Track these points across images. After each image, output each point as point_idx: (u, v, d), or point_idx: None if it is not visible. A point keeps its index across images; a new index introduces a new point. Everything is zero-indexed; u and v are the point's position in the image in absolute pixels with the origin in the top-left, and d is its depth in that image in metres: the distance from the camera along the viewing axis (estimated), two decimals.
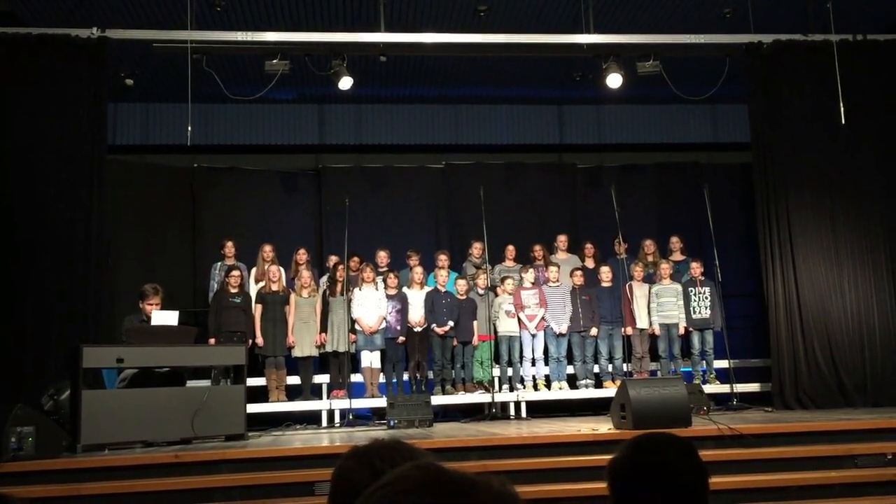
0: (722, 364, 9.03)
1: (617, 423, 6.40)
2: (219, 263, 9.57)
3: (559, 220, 10.95)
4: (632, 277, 9.34)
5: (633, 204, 10.52)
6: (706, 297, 9.21)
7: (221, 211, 10.77)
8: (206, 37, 8.53)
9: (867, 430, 6.12)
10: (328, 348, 8.87)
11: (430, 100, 11.40)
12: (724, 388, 8.79)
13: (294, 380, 8.97)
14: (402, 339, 8.94)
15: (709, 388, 8.59)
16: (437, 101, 11.46)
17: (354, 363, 8.98)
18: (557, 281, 9.33)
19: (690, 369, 9.28)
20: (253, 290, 9.25)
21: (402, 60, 10.02)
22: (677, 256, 9.94)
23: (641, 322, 9.27)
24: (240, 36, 8.67)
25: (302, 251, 9.50)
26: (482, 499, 0.94)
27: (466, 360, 9.07)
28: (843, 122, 8.24)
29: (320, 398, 8.90)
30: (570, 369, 9.29)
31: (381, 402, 8.17)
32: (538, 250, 9.85)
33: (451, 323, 8.90)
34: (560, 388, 9.06)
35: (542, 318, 9.13)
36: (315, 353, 8.94)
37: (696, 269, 9.35)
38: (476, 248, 9.76)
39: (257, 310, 8.88)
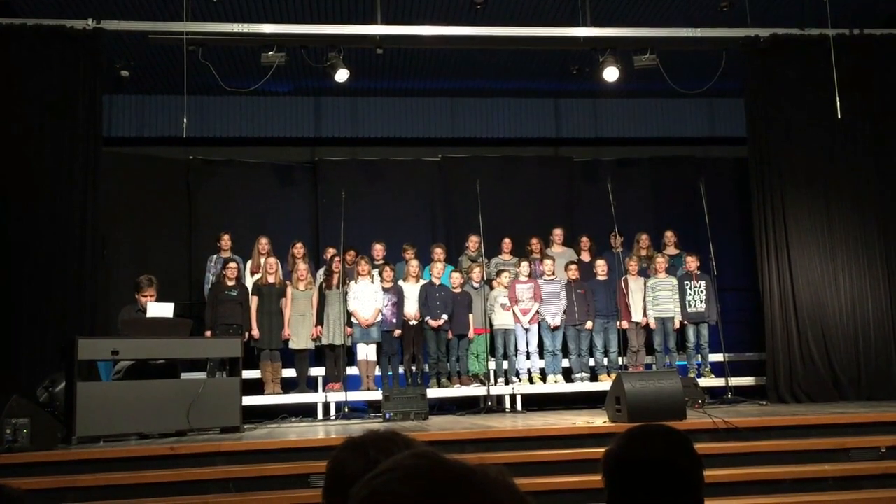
0: (717, 357, 9.06)
1: (612, 417, 6.41)
2: (215, 256, 9.56)
3: (555, 214, 10.95)
4: (626, 271, 9.36)
5: (629, 198, 10.53)
6: (701, 291, 9.22)
7: (217, 203, 10.75)
8: (201, 28, 8.49)
9: (861, 424, 6.14)
10: (324, 341, 8.88)
11: (427, 93, 11.38)
12: (719, 382, 8.82)
13: (290, 372, 8.97)
14: (397, 332, 8.94)
15: (704, 382, 8.62)
16: (434, 94, 11.43)
17: (350, 356, 8.98)
18: (553, 274, 9.34)
19: (685, 363, 9.30)
20: (249, 282, 9.24)
21: (399, 53, 9.99)
22: (672, 250, 9.95)
23: (637, 316, 9.28)
24: (236, 28, 8.64)
25: (299, 244, 9.49)
26: (480, 487, 0.93)
27: (462, 354, 9.08)
28: (839, 116, 8.24)
29: (316, 391, 8.91)
30: (565, 363, 9.31)
31: (377, 395, 8.19)
32: (535, 243, 9.86)
33: (444, 316, 8.91)
34: (555, 382, 9.08)
35: (537, 312, 9.14)
36: (311, 345, 8.95)
37: (691, 262, 9.36)
38: (472, 242, 9.76)
39: (253, 302, 8.87)
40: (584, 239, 10.03)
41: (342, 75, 8.98)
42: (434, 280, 9.15)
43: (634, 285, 9.35)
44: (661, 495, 1.84)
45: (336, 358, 8.85)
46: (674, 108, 11.70)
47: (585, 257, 9.87)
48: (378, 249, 9.58)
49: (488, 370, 9.06)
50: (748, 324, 10.06)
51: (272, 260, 9.09)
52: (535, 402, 8.97)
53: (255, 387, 8.60)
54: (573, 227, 10.68)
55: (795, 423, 6.22)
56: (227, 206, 10.68)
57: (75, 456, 5.56)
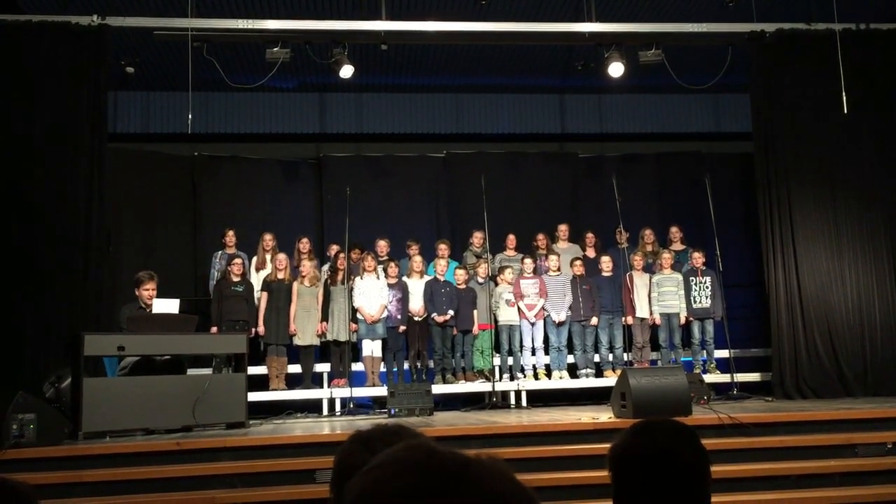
0: (722, 353, 9.04)
1: (617, 412, 6.41)
2: (220, 252, 9.58)
3: (560, 210, 10.93)
4: (632, 267, 9.34)
5: (634, 193, 10.49)
6: (707, 287, 9.21)
7: (222, 199, 10.75)
8: (206, 24, 8.50)
9: (867, 420, 6.13)
10: (329, 337, 8.89)
11: (432, 89, 11.37)
12: (725, 378, 8.80)
13: (295, 368, 8.99)
14: (402, 328, 8.95)
15: (709, 378, 8.60)
16: (439, 90, 11.43)
17: (355, 352, 8.99)
18: (558, 270, 9.33)
19: (691, 359, 9.28)
20: (254, 278, 9.26)
21: (404, 49, 9.99)
22: (678, 246, 9.93)
23: (642, 311, 9.27)
24: (240, 24, 8.64)
25: (304, 240, 9.50)
26: (477, 479, 0.90)
27: (467, 350, 9.08)
28: (846, 111, 8.20)
29: (321, 387, 8.92)
30: (570, 358, 9.30)
31: (382, 391, 8.18)
32: (541, 239, 9.84)
33: (450, 312, 8.91)
34: (560, 378, 9.08)
35: (542, 308, 9.14)
36: (316, 341, 8.96)
37: (697, 258, 9.34)
38: (477, 238, 9.76)
39: (263, 297, 8.88)
40: (590, 235, 10.02)
41: (347, 71, 8.98)
42: (438, 276, 9.15)
43: (639, 281, 9.34)
44: (668, 490, 1.84)
45: (341, 354, 8.86)
46: (679, 103, 11.68)
47: (590, 253, 9.85)
48: (382, 245, 9.58)
49: (493, 366, 9.06)
50: (754, 319, 10.04)
51: (282, 256, 9.10)
52: (540, 398, 8.96)
53: (261, 383, 8.62)
54: (578, 223, 10.66)
55: (801, 419, 6.21)
56: (232, 202, 10.69)
57: (81, 451, 5.58)
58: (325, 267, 9.43)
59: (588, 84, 11.16)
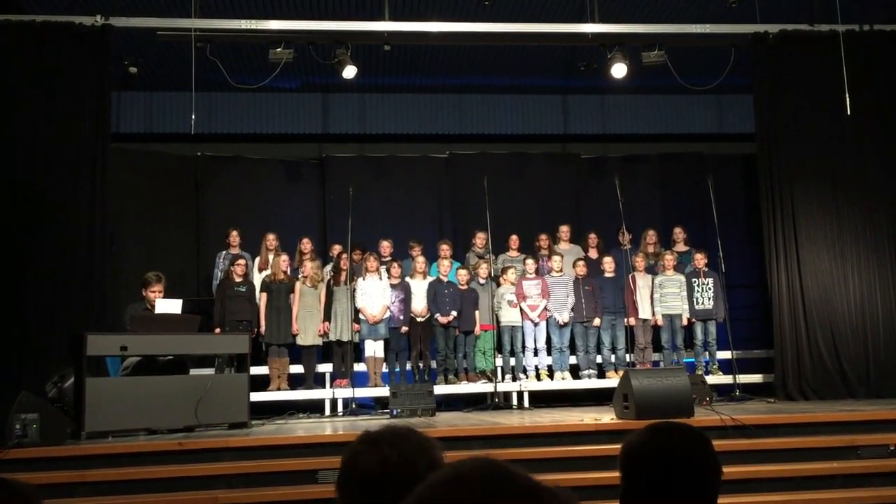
0: (725, 355, 9.03)
1: (620, 413, 6.40)
2: (223, 252, 9.59)
3: (563, 210, 10.92)
4: (634, 268, 9.34)
5: (637, 194, 10.48)
6: (709, 288, 9.20)
7: (225, 199, 10.76)
8: (209, 25, 8.51)
9: (870, 421, 6.12)
10: (332, 337, 8.89)
11: (434, 89, 11.37)
12: (727, 379, 8.79)
13: (297, 368, 8.99)
14: (405, 328, 8.95)
15: (711, 379, 8.59)
16: (441, 91, 11.43)
17: (357, 352, 9.00)
18: (560, 271, 9.33)
19: (693, 360, 9.28)
20: (257, 278, 9.27)
21: (407, 49, 9.99)
22: (681, 247, 9.92)
23: (644, 312, 9.27)
24: (244, 24, 8.65)
25: (306, 240, 9.51)
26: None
27: (469, 350, 9.08)
28: (849, 113, 8.19)
29: (323, 387, 8.92)
30: (572, 359, 9.30)
31: (384, 392, 8.19)
32: (543, 240, 9.83)
33: (454, 312, 8.91)
34: (563, 378, 9.07)
35: (545, 308, 9.14)
36: (318, 341, 8.96)
37: (699, 259, 9.33)
38: (479, 238, 9.75)
39: (262, 298, 8.89)
40: (592, 235, 10.01)
41: (350, 72, 8.98)
42: (441, 277, 9.15)
43: (642, 282, 9.33)
44: (678, 491, 1.84)
45: (343, 354, 8.86)
46: (682, 104, 11.67)
47: (593, 254, 9.85)
48: (385, 246, 9.59)
49: (495, 367, 9.06)
50: (756, 321, 10.03)
51: (284, 256, 9.10)
52: (542, 399, 8.96)
53: (263, 383, 8.63)
54: (580, 223, 10.66)
55: (804, 421, 6.20)
56: (235, 203, 10.70)
57: (84, 451, 5.59)
58: (328, 267, 9.44)
59: (591, 85, 11.16)
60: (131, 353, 6.62)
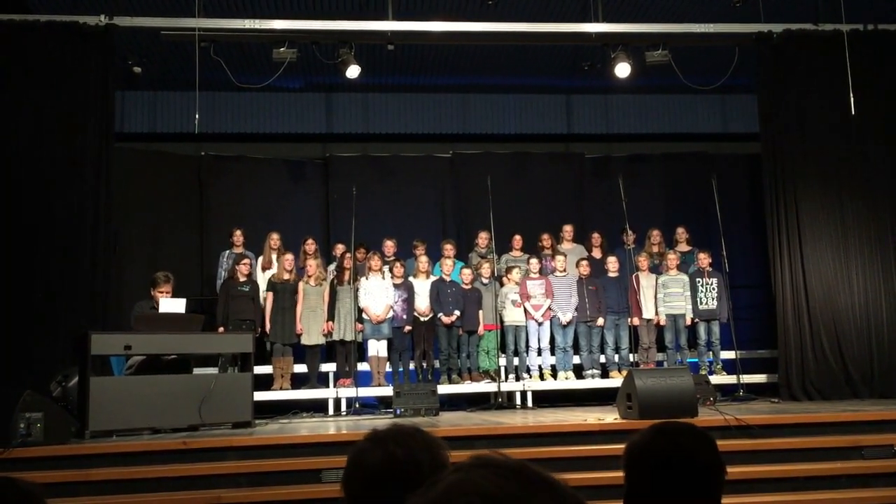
0: (728, 355, 9.02)
1: (623, 413, 6.40)
2: (227, 252, 9.60)
3: (566, 210, 10.92)
4: (638, 268, 9.33)
5: (640, 194, 10.48)
6: (713, 288, 9.19)
7: (228, 199, 10.77)
8: (213, 25, 8.51)
9: (874, 422, 6.11)
10: (335, 337, 8.90)
11: (438, 89, 11.37)
12: (731, 379, 8.78)
13: (300, 368, 9.00)
14: (408, 328, 8.96)
15: (715, 379, 8.57)
16: (445, 91, 11.43)
17: (361, 352, 9.00)
18: (564, 271, 9.32)
19: (697, 360, 9.27)
20: (260, 278, 9.27)
21: (410, 49, 9.99)
22: (684, 247, 9.92)
23: (648, 312, 9.26)
24: (247, 24, 8.66)
25: (310, 240, 9.51)
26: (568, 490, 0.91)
27: (472, 350, 9.08)
28: (853, 112, 8.17)
29: (327, 386, 8.93)
30: (576, 359, 9.30)
31: (388, 391, 8.20)
32: (546, 239, 9.83)
33: (457, 312, 8.91)
34: (566, 378, 9.07)
35: (549, 308, 9.14)
36: (322, 341, 8.97)
37: (703, 259, 9.33)
38: (482, 238, 9.75)
39: (268, 297, 8.89)
40: (595, 235, 10.01)
41: (353, 71, 8.99)
42: (444, 276, 9.15)
43: (646, 282, 9.32)
44: (682, 491, 1.84)
45: (347, 354, 8.87)
46: (686, 104, 11.66)
47: (596, 254, 9.84)
48: (389, 245, 9.60)
49: (499, 366, 9.06)
50: (760, 321, 10.02)
51: (289, 256, 9.10)
52: (545, 399, 8.96)
53: (267, 382, 8.64)
54: (584, 223, 10.66)
55: (807, 421, 6.20)
56: (239, 202, 10.71)
57: (88, 450, 5.59)
58: (332, 267, 9.45)
59: (595, 84, 11.15)
60: (136, 353, 6.63)
